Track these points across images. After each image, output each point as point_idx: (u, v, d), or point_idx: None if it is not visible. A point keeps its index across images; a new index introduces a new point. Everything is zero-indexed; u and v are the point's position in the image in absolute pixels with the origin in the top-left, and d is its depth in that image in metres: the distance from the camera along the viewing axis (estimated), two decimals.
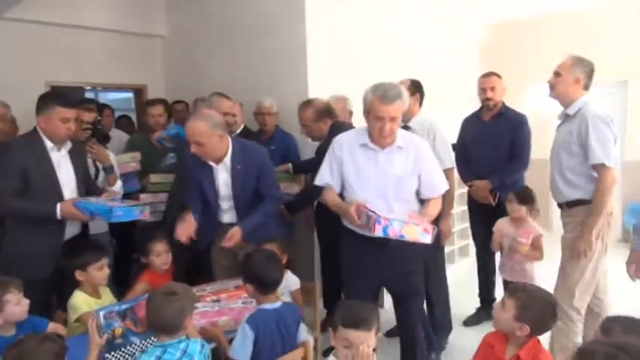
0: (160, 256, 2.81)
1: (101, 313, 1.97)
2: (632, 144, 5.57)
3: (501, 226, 3.26)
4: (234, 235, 2.73)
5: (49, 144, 2.69)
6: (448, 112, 4.11)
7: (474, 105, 3.86)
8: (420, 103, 3.43)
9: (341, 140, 2.53)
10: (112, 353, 1.98)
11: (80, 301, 2.41)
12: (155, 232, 2.95)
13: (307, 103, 3.36)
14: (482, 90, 3.66)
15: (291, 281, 2.80)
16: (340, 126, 3.24)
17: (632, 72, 5.39)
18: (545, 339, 2.10)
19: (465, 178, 3.76)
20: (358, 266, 2.55)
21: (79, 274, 2.45)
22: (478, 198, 3.66)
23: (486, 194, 3.58)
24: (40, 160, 2.66)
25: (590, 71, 2.81)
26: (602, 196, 2.66)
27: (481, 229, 3.77)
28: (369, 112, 2.37)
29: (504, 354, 1.90)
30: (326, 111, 3.36)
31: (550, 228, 5.38)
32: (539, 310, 1.83)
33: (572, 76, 2.78)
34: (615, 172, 2.74)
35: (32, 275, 2.43)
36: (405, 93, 2.35)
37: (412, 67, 4.07)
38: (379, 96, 2.29)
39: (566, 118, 2.85)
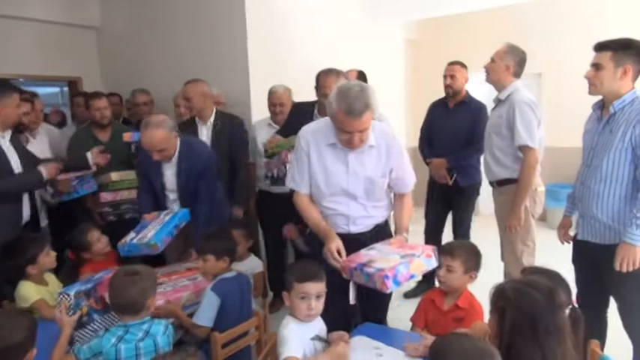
0: (100, 241, 2.83)
1: (71, 293, 1.99)
2: (549, 132, 6.10)
3: None
4: (193, 255, 2.82)
5: None
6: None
7: (399, 98, 4.13)
8: None
9: (307, 135, 2.31)
10: (80, 331, 2.02)
11: (30, 291, 2.40)
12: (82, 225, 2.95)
13: (332, 72, 3.06)
14: (444, 77, 3.90)
15: (255, 264, 2.96)
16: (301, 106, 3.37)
17: (547, 65, 5.96)
18: None
19: (426, 156, 4.02)
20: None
21: (31, 269, 2.42)
22: (436, 176, 3.91)
23: (443, 172, 3.82)
24: None
25: (520, 60, 3.06)
26: (527, 175, 2.93)
27: (433, 208, 4.07)
28: (333, 119, 2.14)
29: (444, 305, 2.16)
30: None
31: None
32: (475, 256, 2.18)
33: (503, 64, 3.03)
34: (539, 152, 2.99)
35: None
36: (373, 98, 2.07)
37: (345, 61, 4.26)
38: (345, 110, 2.03)
39: (498, 102, 3.11)
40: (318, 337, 1.90)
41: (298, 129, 2.64)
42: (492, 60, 3.09)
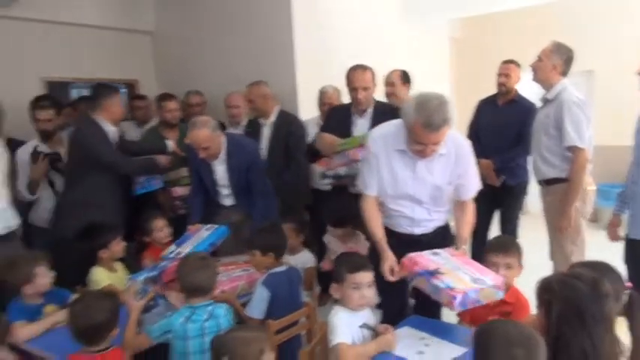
0: (162, 230, 3.08)
1: (140, 279, 2.16)
2: (599, 131, 5.95)
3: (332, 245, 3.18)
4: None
5: None
6: None
7: (446, 92, 4.14)
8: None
9: (377, 139, 2.32)
10: (146, 314, 2.20)
11: (102, 276, 2.62)
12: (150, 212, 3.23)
13: (358, 67, 3.14)
14: (498, 75, 3.89)
15: (307, 258, 3.06)
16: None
17: (597, 62, 5.81)
18: None
19: None
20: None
21: (102, 252, 2.65)
22: (484, 176, 3.90)
23: (491, 173, 3.73)
24: None
25: (568, 58, 3.02)
26: (577, 175, 2.91)
27: (480, 206, 4.00)
28: (408, 129, 2.14)
29: None
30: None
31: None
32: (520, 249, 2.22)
33: (550, 63, 3.00)
34: (588, 152, 2.96)
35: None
36: (451, 112, 2.07)
37: (390, 60, 4.32)
38: (423, 123, 2.02)
39: (546, 102, 3.09)
40: (366, 325, 1.99)
41: (336, 133, 2.75)
42: (539, 59, 3.07)
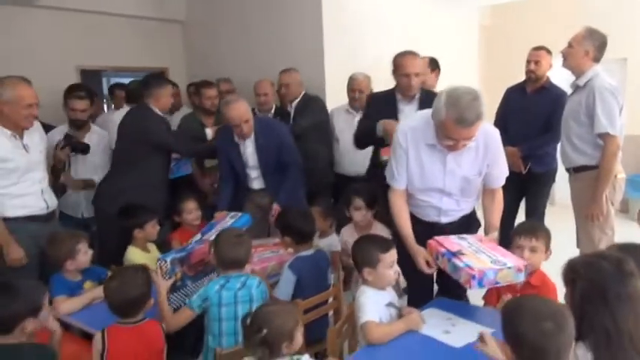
0: (192, 213, 3.16)
1: (168, 260, 2.26)
2: (631, 119, 5.82)
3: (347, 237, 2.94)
4: (275, 211, 3.07)
5: None
6: None
7: (472, 84, 4.09)
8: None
9: (406, 132, 2.29)
10: (174, 294, 2.29)
11: (136, 256, 2.74)
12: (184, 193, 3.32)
13: (408, 53, 3.08)
14: (528, 62, 3.82)
15: (334, 241, 3.09)
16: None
17: (630, 50, 5.67)
18: None
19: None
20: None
21: (137, 232, 2.77)
22: (510, 164, 3.88)
23: (517, 161, 3.67)
24: None
25: (600, 44, 2.96)
26: (608, 163, 2.87)
27: (506, 194, 3.99)
28: (439, 124, 2.11)
29: (517, 284, 2.15)
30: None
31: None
32: (549, 234, 2.23)
33: (582, 49, 2.95)
34: (620, 140, 2.91)
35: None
36: (483, 108, 2.03)
37: (418, 46, 4.30)
38: (456, 119, 2.00)
39: (577, 88, 3.04)
40: (392, 304, 2.05)
41: (379, 118, 2.74)
42: (570, 45, 3.02)
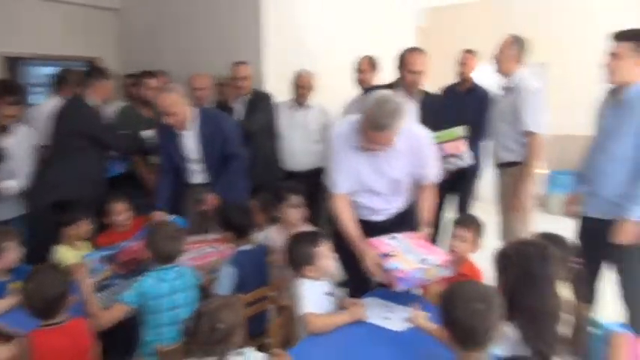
0: (121, 214, 3.01)
1: (95, 257, 2.20)
2: (552, 120, 6.23)
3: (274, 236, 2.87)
4: (210, 200, 3.03)
5: None
6: None
7: None
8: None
9: (336, 137, 2.38)
10: (103, 292, 2.25)
11: (66, 255, 2.62)
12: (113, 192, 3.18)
13: (415, 50, 3.16)
14: (458, 64, 4.06)
15: (273, 235, 3.00)
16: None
17: (551, 54, 6.07)
18: None
19: None
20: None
21: (69, 229, 2.66)
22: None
23: None
24: None
25: (525, 49, 3.25)
26: (532, 159, 3.13)
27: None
28: (361, 129, 2.21)
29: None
30: None
31: None
32: (480, 228, 2.36)
33: (511, 53, 3.22)
34: (543, 137, 3.15)
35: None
36: (399, 117, 2.12)
37: (357, 46, 4.40)
38: (369, 123, 2.13)
39: (507, 90, 3.29)
40: (330, 293, 2.12)
41: None
42: (500, 51, 3.26)
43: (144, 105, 3.87)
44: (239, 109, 3.82)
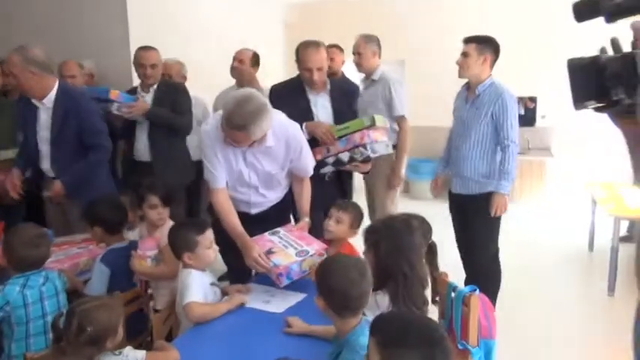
0: None
1: None
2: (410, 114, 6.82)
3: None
4: (55, 187, 2.78)
5: None
6: None
7: (280, 78, 4.33)
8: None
9: (207, 134, 2.33)
10: None
11: None
12: None
13: (310, 44, 2.84)
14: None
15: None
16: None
17: (407, 52, 6.61)
18: None
19: None
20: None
21: None
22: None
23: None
24: None
25: (379, 45, 3.66)
26: (406, 140, 3.61)
27: None
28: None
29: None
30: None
31: None
32: (360, 215, 2.47)
33: (370, 51, 3.63)
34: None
35: None
36: (255, 121, 2.10)
37: (225, 41, 4.40)
38: (225, 120, 2.13)
39: (371, 82, 3.66)
40: (215, 284, 2.15)
41: (289, 112, 2.49)
42: (358, 52, 3.62)
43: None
44: (147, 100, 3.44)
